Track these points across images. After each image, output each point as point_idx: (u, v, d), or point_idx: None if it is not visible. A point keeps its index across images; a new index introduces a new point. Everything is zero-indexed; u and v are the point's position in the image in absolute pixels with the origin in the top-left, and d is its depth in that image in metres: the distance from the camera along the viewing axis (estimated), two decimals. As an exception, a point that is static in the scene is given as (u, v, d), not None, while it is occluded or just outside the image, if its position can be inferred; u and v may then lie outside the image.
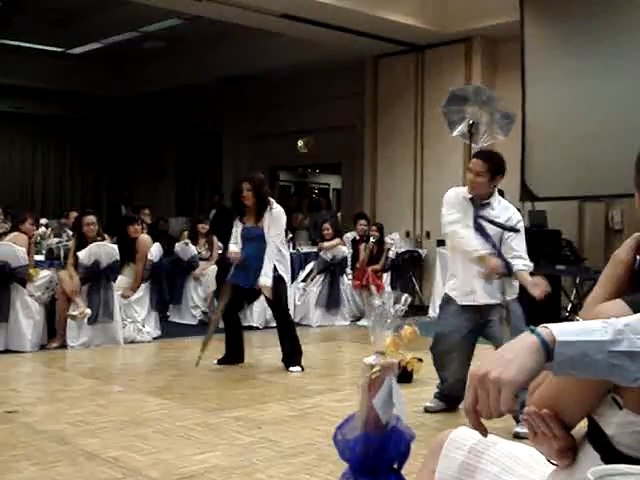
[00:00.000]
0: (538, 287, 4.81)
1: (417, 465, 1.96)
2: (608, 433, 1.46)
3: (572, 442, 1.56)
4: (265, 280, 6.49)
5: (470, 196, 5.06)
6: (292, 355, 6.70)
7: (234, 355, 6.86)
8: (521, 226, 5.06)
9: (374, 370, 1.88)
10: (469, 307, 5.09)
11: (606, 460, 1.47)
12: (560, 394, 1.50)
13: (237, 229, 6.78)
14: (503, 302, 5.00)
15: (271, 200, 6.76)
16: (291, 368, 6.62)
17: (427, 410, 5.23)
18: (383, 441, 1.94)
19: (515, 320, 5.01)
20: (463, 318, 5.09)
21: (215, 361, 6.80)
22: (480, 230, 4.96)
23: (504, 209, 5.07)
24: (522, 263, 4.93)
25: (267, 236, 6.56)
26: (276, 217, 6.67)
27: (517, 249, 4.96)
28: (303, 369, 6.64)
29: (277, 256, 6.62)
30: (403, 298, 1.89)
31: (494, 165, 5.02)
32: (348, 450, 1.99)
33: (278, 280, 6.62)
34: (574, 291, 9.77)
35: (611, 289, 1.59)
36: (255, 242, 6.61)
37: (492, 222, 4.96)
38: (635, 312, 1.37)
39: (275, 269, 6.59)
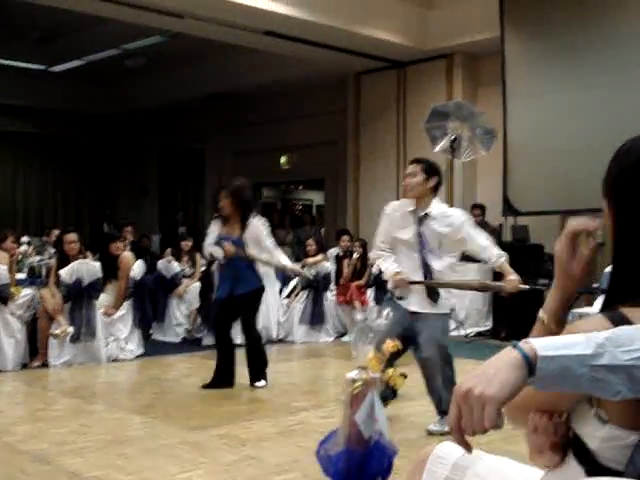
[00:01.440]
0: (511, 282, 4.97)
1: (401, 481, 1.96)
2: (592, 448, 1.47)
3: (567, 435, 1.56)
4: (287, 262, 6.71)
5: (412, 208, 5.14)
6: (257, 370, 6.61)
7: (224, 378, 6.58)
8: (464, 223, 5.12)
9: (356, 385, 1.87)
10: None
11: (590, 474, 1.47)
12: (539, 394, 1.50)
13: (213, 234, 6.63)
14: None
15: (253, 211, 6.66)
16: (257, 383, 6.56)
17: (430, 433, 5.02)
18: (365, 456, 1.94)
19: (428, 333, 5.02)
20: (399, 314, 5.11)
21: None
22: (421, 243, 5.09)
23: (443, 217, 5.12)
24: (496, 254, 5.07)
25: (255, 247, 6.50)
26: (260, 227, 6.58)
27: (482, 243, 5.11)
28: (266, 383, 6.60)
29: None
30: (385, 313, 1.89)
31: (427, 165, 5.16)
32: (331, 466, 1.98)
33: (258, 292, 6.62)
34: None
35: (569, 284, 1.63)
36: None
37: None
38: (616, 327, 1.38)
39: (260, 279, 6.61)
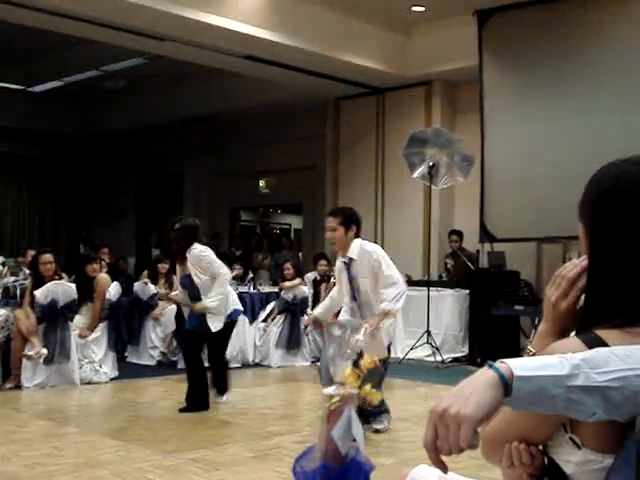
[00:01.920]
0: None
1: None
2: (567, 472, 1.47)
3: (543, 465, 1.57)
4: (203, 305, 6.52)
5: (342, 259, 5.60)
6: (221, 386, 6.85)
7: (198, 402, 6.58)
8: (376, 261, 5.46)
9: (333, 400, 1.87)
10: None
11: (565, 498, 1.47)
12: (517, 423, 1.50)
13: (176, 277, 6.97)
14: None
15: (193, 244, 6.55)
16: (221, 398, 6.80)
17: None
18: (342, 472, 1.92)
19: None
20: None
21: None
22: (353, 289, 5.58)
23: (364, 253, 5.51)
24: (382, 304, 5.41)
25: (197, 280, 6.52)
26: (195, 259, 6.54)
27: (388, 281, 5.44)
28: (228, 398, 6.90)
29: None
30: (362, 329, 1.89)
31: (344, 217, 5.56)
32: (307, 482, 1.96)
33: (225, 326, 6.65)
34: (533, 332, 9.84)
35: (556, 328, 1.62)
36: (190, 289, 6.63)
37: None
38: (590, 349, 1.39)
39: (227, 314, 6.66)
